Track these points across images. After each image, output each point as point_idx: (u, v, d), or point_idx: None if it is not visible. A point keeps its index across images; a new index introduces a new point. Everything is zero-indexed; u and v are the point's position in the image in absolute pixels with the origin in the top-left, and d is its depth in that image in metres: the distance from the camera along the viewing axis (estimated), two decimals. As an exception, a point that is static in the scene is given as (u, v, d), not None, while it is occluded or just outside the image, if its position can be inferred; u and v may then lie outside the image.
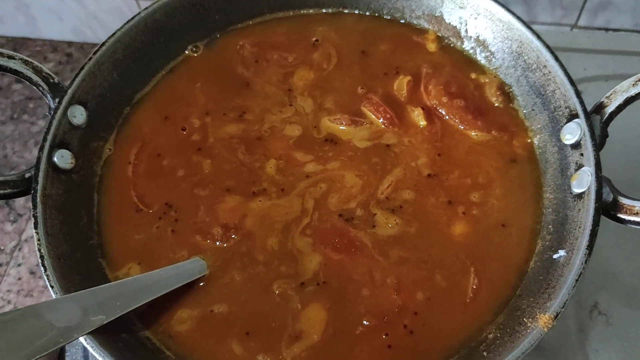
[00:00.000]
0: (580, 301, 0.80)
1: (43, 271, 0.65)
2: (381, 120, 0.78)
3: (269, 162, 0.76)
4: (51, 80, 0.75)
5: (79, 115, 0.75)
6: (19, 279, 1.12)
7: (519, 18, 0.76)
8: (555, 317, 0.58)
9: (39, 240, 0.66)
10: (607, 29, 1.20)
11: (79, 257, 0.70)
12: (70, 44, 1.52)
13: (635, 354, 0.76)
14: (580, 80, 0.97)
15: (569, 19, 1.20)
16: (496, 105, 0.79)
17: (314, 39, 0.86)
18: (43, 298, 0.64)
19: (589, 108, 0.70)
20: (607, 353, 0.77)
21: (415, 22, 0.87)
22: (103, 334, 0.61)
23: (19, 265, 1.14)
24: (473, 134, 0.77)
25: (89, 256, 0.71)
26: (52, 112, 0.73)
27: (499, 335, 0.63)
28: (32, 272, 1.16)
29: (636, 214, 0.62)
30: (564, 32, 1.13)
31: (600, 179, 0.65)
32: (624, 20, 1.18)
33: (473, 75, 0.82)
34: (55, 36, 1.53)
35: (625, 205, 0.63)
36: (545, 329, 0.58)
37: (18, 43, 1.50)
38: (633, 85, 0.67)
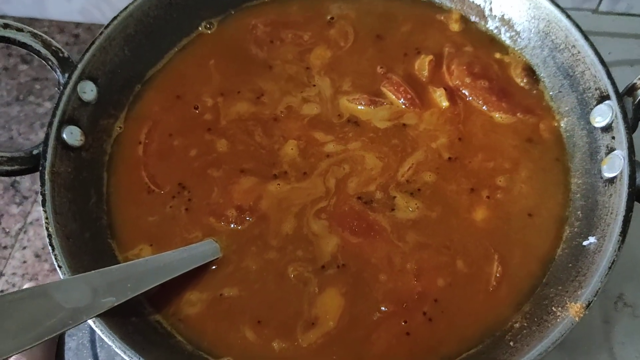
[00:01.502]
0: (606, 292, 0.77)
1: (51, 250, 0.62)
2: (402, 100, 0.75)
3: (288, 144, 0.74)
4: (60, 55, 0.73)
5: (89, 91, 0.73)
6: (24, 262, 1.10)
7: (546, -5, 0.73)
8: (587, 305, 0.56)
9: (47, 218, 0.64)
10: (628, 14, 1.17)
11: (87, 237, 0.67)
12: (77, 24, 1.49)
13: (662, 347, 0.74)
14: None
15: (590, 4, 1.17)
16: (521, 86, 0.76)
17: (329, 16, 0.83)
18: (48, 281, 0.62)
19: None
20: (634, 346, 0.74)
21: (437, 0, 0.84)
22: (112, 317, 0.59)
23: (24, 248, 1.12)
24: (497, 115, 0.74)
25: (98, 236, 0.69)
26: (62, 88, 0.71)
27: (525, 324, 0.60)
28: (37, 256, 1.14)
29: (672, 199, 0.59)
30: (587, 16, 1.09)
31: (634, 162, 0.62)
32: (647, 5, 1.15)
33: (497, 56, 0.79)
34: (62, 17, 1.50)
35: (660, 191, 0.60)
36: (577, 318, 0.56)
37: (25, 23, 1.47)
38: (667, 65, 0.64)
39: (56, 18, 1.49)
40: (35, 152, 0.68)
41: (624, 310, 0.76)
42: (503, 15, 0.79)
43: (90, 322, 0.58)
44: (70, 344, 0.78)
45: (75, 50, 1.45)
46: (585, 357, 0.74)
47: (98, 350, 0.77)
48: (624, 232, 0.58)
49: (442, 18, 0.83)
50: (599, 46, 0.97)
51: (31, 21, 1.49)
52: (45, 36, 0.73)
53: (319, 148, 0.74)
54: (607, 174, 0.64)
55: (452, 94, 0.76)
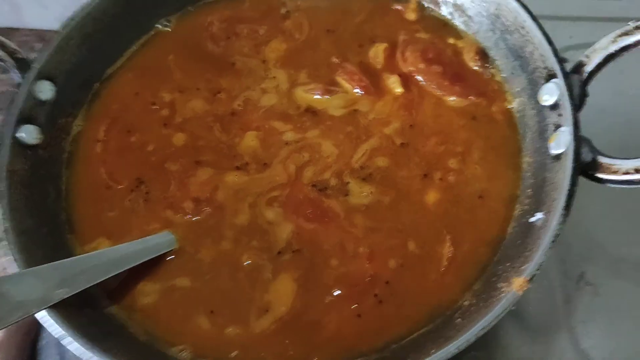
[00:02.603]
0: (567, 272, 0.78)
1: (7, 244, 0.63)
2: (356, 88, 0.76)
3: (248, 135, 0.75)
4: (17, 55, 0.74)
5: (46, 90, 0.74)
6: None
7: (495, -21, 0.74)
8: (530, 279, 0.56)
9: (3, 214, 0.64)
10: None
11: (45, 232, 0.68)
12: (57, 32, 1.50)
13: (622, 325, 0.74)
14: (567, 48, 0.93)
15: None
16: (475, 69, 0.77)
17: (284, 10, 0.84)
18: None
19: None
20: (595, 324, 0.74)
21: (391, -12, 0.84)
22: (65, 309, 0.60)
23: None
24: (451, 99, 0.75)
25: (56, 231, 0.70)
26: (18, 87, 0.72)
27: (474, 302, 0.61)
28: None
29: (615, 172, 0.60)
30: (550, 0, 1.09)
31: (579, 138, 0.62)
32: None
33: (451, 41, 0.79)
34: (40, 25, 1.51)
35: (603, 164, 0.61)
36: (520, 292, 0.56)
37: (3, 33, 1.48)
38: (612, 42, 0.65)
39: (35, 27, 1.50)
40: (-9, 150, 0.69)
41: (585, 289, 0.76)
42: (455, 1, 0.80)
43: (37, 315, 0.58)
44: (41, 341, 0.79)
45: (55, 58, 1.46)
46: (547, 337, 0.74)
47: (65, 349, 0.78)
48: (567, 206, 0.58)
49: (398, 7, 0.83)
50: (561, 30, 0.98)
51: (10, 31, 1.50)
52: (1, 37, 0.73)
53: (278, 137, 0.74)
54: (555, 151, 0.64)
55: (407, 80, 0.76)
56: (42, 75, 0.73)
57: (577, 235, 0.79)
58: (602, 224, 0.79)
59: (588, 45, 0.86)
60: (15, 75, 0.73)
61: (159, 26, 0.84)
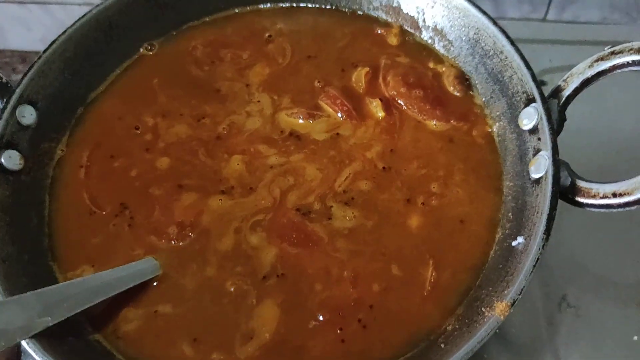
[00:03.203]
0: (549, 294, 0.78)
1: (-12, 272, 0.62)
2: (339, 113, 0.77)
3: (234, 159, 0.75)
4: (-1, 80, 0.73)
5: (28, 115, 0.74)
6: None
7: (475, 5, 0.75)
8: (512, 304, 0.57)
9: (-18, 241, 0.64)
10: (575, 22, 1.20)
11: (26, 260, 0.67)
12: (39, 54, 1.50)
13: (605, 346, 0.75)
14: (546, 72, 0.96)
15: (537, 14, 1.20)
16: (455, 94, 0.78)
17: (267, 34, 0.85)
18: None
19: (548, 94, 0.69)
20: (577, 346, 0.75)
21: (373, 13, 0.86)
22: (48, 337, 0.59)
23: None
24: (432, 123, 0.76)
25: (38, 259, 0.69)
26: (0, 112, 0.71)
27: (457, 326, 0.61)
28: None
29: (594, 196, 0.61)
30: (529, 25, 1.12)
31: (558, 162, 0.63)
32: (592, 14, 1.18)
33: (431, 65, 0.80)
34: (24, 47, 1.51)
35: (582, 188, 0.62)
36: (502, 317, 0.56)
37: (-14, 54, 1.48)
38: (589, 67, 0.66)
39: (18, 48, 1.50)
40: (-29, 175, 0.69)
41: (568, 311, 0.77)
42: (436, 25, 0.81)
43: (23, 343, 0.58)
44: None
45: (37, 78, 1.46)
46: (530, 359, 0.74)
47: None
48: (547, 230, 0.59)
49: (381, 31, 0.85)
50: (541, 53, 1.00)
51: (-8, 51, 1.50)
52: (-18, 63, 0.73)
53: (263, 160, 0.74)
54: (534, 175, 0.65)
55: (388, 104, 0.77)
56: (23, 100, 0.73)
57: (559, 257, 0.80)
58: (584, 246, 0.81)
59: (567, 67, 0.88)
60: (-3, 100, 0.73)
61: (143, 50, 0.85)
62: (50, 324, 0.58)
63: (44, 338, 0.59)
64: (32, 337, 0.58)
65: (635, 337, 0.75)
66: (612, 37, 1.00)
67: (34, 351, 0.58)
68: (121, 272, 0.66)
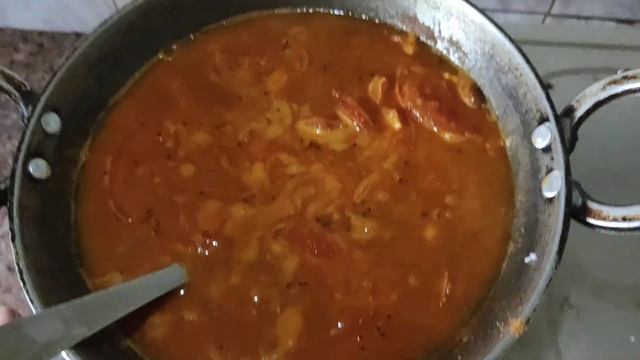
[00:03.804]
0: (552, 295, 0.83)
1: (22, 285, 0.65)
2: (356, 123, 0.79)
3: (255, 167, 0.77)
4: (23, 89, 0.74)
5: (53, 123, 0.75)
6: (-3, 275, 1.12)
7: (491, 20, 0.77)
8: (527, 322, 0.60)
9: (17, 254, 0.66)
10: (579, 17, 1.21)
11: (58, 268, 0.70)
12: (41, 33, 1.49)
13: (604, 347, 0.79)
14: (552, 75, 0.98)
15: (542, 7, 1.21)
16: (469, 106, 0.80)
17: (284, 40, 0.86)
18: (22, 294, 0.64)
19: (559, 103, 0.70)
20: (578, 346, 0.79)
21: (389, 22, 0.87)
22: (84, 347, 0.61)
23: (-3, 261, 1.14)
24: (447, 136, 0.78)
25: (68, 267, 0.71)
26: (26, 121, 0.72)
27: (472, 338, 0.65)
28: (10, 268, 1.16)
29: (604, 218, 0.64)
30: (536, 25, 1.13)
31: (570, 183, 0.66)
32: (595, 8, 1.20)
33: (446, 76, 0.82)
34: (25, 25, 1.50)
35: (593, 210, 0.65)
36: (517, 335, 0.60)
37: (-13, 34, 1.47)
38: (602, 89, 0.68)
39: (19, 27, 1.48)
40: (2, 186, 0.70)
41: (569, 312, 0.81)
42: (451, 37, 0.83)
43: (63, 354, 0.60)
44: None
45: (39, 59, 1.45)
46: (532, 357, 0.79)
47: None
48: (560, 251, 0.63)
49: (397, 40, 0.86)
50: (547, 55, 1.02)
51: (-7, 31, 1.48)
52: (7, 70, 0.74)
53: (283, 169, 0.76)
54: (547, 194, 0.68)
55: (404, 116, 0.79)
56: (48, 108, 0.74)
57: (562, 261, 0.83)
58: (586, 250, 0.84)
59: (574, 70, 0.90)
60: (22, 108, 0.74)
61: (161, 55, 0.85)
62: (88, 335, 0.61)
63: (82, 349, 0.61)
64: (71, 348, 0.60)
65: (633, 338, 0.80)
66: (618, 41, 1.03)
67: (75, 360, 0.60)
68: (151, 280, 0.69)
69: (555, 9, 1.21)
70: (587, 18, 1.22)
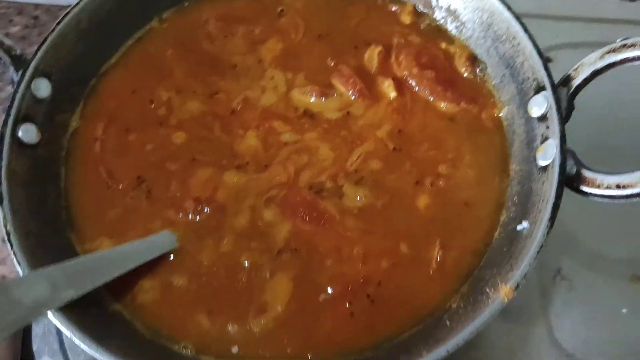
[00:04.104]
0: (544, 266, 0.82)
1: (9, 248, 0.65)
2: (351, 91, 0.78)
3: (249, 134, 0.76)
4: (13, 53, 0.74)
5: (43, 88, 0.74)
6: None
7: (489, -12, 0.76)
8: (516, 287, 0.60)
9: (4, 217, 0.66)
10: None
11: (47, 233, 0.69)
12: (37, 6, 1.47)
13: (595, 318, 0.79)
14: (551, 48, 0.97)
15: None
16: (465, 76, 0.79)
17: (279, 9, 0.85)
18: (16, 266, 0.64)
19: (557, 77, 0.70)
20: (569, 317, 0.79)
21: (386, -10, 0.86)
22: (72, 309, 0.61)
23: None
24: (442, 105, 0.77)
25: (57, 231, 0.71)
26: (16, 86, 0.72)
27: (462, 305, 0.64)
28: (4, 241, 1.16)
29: (598, 186, 0.63)
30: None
31: (565, 152, 0.65)
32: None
33: (443, 45, 0.81)
34: (20, -2, 1.47)
35: (587, 178, 0.64)
36: (506, 300, 0.60)
37: (-18, 6, 1.45)
38: (600, 58, 0.67)
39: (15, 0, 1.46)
40: (-9, 150, 0.70)
41: (561, 284, 0.81)
42: (449, 6, 0.82)
43: (50, 315, 0.60)
44: (36, 330, 0.81)
45: (35, 32, 1.43)
46: (523, 328, 0.79)
47: (64, 336, 0.80)
48: (552, 218, 0.62)
49: (394, 9, 0.85)
50: (547, 29, 1.01)
51: (-11, 4, 1.47)
52: (-2, 34, 0.73)
53: (277, 137, 0.76)
54: (541, 162, 0.68)
55: (400, 85, 0.78)
56: (38, 73, 0.74)
57: (555, 231, 0.82)
58: (580, 221, 0.83)
59: (573, 44, 0.89)
60: (12, 73, 0.73)
61: (154, 22, 0.84)
62: (75, 297, 0.61)
63: (68, 310, 0.61)
64: (59, 310, 0.60)
65: (625, 310, 0.79)
66: (618, 15, 1.02)
67: (61, 322, 0.60)
68: (141, 245, 0.69)
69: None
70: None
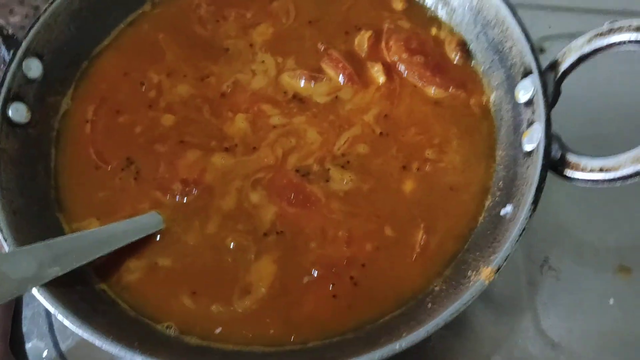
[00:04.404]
0: (531, 256, 0.82)
1: (-3, 224, 0.65)
2: (340, 76, 0.78)
3: (238, 117, 0.76)
4: (5, 32, 0.74)
5: (34, 68, 0.75)
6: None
7: (479, -27, 0.76)
8: (497, 270, 0.60)
9: (-7, 193, 0.66)
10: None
11: (35, 211, 0.70)
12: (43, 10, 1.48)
13: (582, 308, 0.79)
14: (545, 38, 0.97)
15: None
16: (455, 62, 0.79)
17: (271, -7, 0.85)
18: (2, 242, 0.66)
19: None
20: (555, 307, 0.79)
21: (378, -25, 0.86)
22: (57, 287, 0.62)
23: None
24: (431, 90, 0.77)
25: (45, 210, 0.72)
26: (7, 65, 0.72)
27: (444, 287, 0.65)
28: None
29: (582, 170, 0.63)
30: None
31: (550, 135, 0.65)
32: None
33: (434, 31, 0.81)
34: (22, -12, 1.48)
35: (571, 162, 0.64)
36: (487, 282, 0.60)
37: (-17, -6, 1.46)
38: (587, 42, 0.67)
39: (16, -11, 1.47)
40: (-20, 128, 0.70)
41: (549, 274, 0.81)
42: (440, -9, 0.82)
43: (34, 291, 0.61)
44: (25, 312, 0.82)
45: (36, 21, 1.45)
46: (510, 317, 0.79)
47: (53, 319, 0.81)
48: (535, 201, 0.62)
49: (387, -5, 0.85)
50: (541, 19, 1.00)
51: (-10, -8, 1.48)
52: (-13, 14, 0.74)
53: (266, 120, 0.76)
54: (527, 146, 0.67)
55: (389, 70, 0.78)
56: (30, 53, 0.74)
57: (543, 221, 0.83)
58: (568, 211, 0.83)
59: (566, 35, 0.88)
60: (3, 52, 0.74)
61: (147, 6, 0.85)
62: (60, 274, 0.61)
63: (53, 287, 0.62)
64: (43, 286, 0.61)
65: (612, 301, 0.79)
66: (612, 6, 1.01)
67: (45, 299, 0.61)
68: (127, 225, 0.70)
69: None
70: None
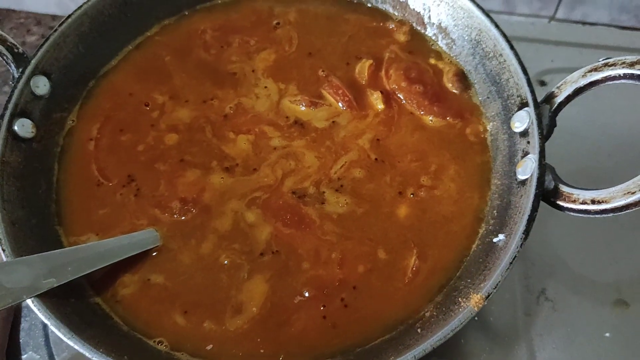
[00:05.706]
0: (529, 287, 0.82)
1: (-4, 234, 0.66)
2: (340, 103, 0.79)
3: (240, 138, 0.78)
4: (15, 50, 0.76)
5: (42, 85, 0.77)
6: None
7: (479, 6, 0.77)
8: (487, 297, 0.60)
9: (-6, 204, 0.68)
10: (584, 23, 1.21)
11: (34, 224, 0.71)
12: (54, 17, 1.52)
13: (577, 339, 0.78)
14: (547, 72, 0.98)
15: (546, 11, 1.21)
16: (453, 91, 0.80)
17: (275, 21, 0.87)
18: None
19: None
20: (551, 338, 0.79)
21: (381, 6, 0.88)
22: (52, 298, 0.63)
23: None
24: (429, 119, 0.78)
25: (45, 223, 0.73)
26: (15, 82, 0.74)
27: (435, 313, 0.65)
28: None
29: (574, 201, 0.64)
30: (535, 24, 1.13)
31: (544, 166, 0.66)
32: (600, 14, 1.19)
33: (432, 61, 0.83)
34: (39, 9, 1.53)
35: (564, 193, 0.65)
36: (476, 309, 0.60)
37: (1, 14, 1.50)
38: (583, 76, 0.68)
39: (33, 10, 1.52)
40: (-15, 142, 0.72)
41: (545, 305, 0.81)
42: (440, 23, 0.83)
43: (29, 301, 0.62)
44: (23, 324, 0.82)
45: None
46: (505, 347, 0.78)
47: (49, 331, 0.81)
48: (527, 231, 0.63)
49: (391, 27, 0.87)
50: (544, 53, 1.02)
51: (8, 12, 1.52)
52: (1, 32, 0.76)
53: (267, 141, 0.78)
54: (521, 176, 0.68)
55: (388, 97, 0.80)
56: (38, 71, 0.76)
57: (541, 252, 0.83)
58: (567, 243, 0.84)
59: (568, 69, 0.90)
60: (13, 70, 0.76)
61: (155, 29, 0.87)
62: (55, 285, 0.62)
63: (48, 298, 0.63)
64: (38, 296, 0.62)
65: (607, 334, 0.79)
66: (615, 42, 1.03)
67: (39, 310, 0.62)
68: (124, 240, 0.70)
69: (560, 14, 1.21)
70: (591, 24, 1.22)
